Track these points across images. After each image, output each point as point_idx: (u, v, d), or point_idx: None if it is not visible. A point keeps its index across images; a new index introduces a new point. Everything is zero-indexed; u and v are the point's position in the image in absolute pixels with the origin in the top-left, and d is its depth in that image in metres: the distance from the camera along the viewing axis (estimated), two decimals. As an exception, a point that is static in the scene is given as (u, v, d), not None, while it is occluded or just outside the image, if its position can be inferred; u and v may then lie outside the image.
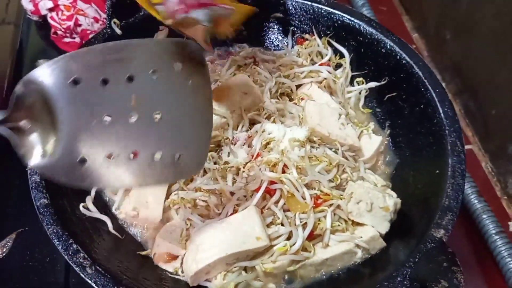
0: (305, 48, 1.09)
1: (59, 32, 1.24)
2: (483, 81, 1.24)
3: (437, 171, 0.86)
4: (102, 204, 0.89)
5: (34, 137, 0.60)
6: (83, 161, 0.61)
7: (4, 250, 0.95)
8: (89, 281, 0.72)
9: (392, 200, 0.84)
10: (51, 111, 0.60)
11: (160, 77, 0.64)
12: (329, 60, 1.08)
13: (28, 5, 1.27)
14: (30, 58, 1.31)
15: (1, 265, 0.94)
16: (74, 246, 0.75)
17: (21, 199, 1.01)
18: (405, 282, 0.72)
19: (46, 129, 0.60)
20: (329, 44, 1.10)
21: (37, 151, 0.60)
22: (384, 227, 0.83)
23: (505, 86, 1.15)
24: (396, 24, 1.55)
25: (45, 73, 0.60)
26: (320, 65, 1.06)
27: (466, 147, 1.27)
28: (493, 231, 1.07)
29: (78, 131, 0.61)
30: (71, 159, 0.61)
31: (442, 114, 0.90)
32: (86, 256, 0.74)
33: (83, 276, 0.73)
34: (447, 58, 1.38)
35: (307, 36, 1.11)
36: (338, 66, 1.10)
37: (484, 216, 1.09)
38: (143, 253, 0.84)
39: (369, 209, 0.83)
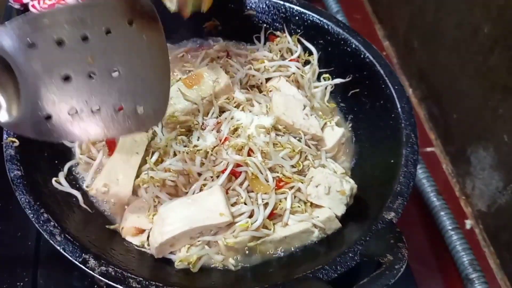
0: (276, 45, 1.13)
1: (41, 20, 1.27)
2: (446, 87, 1.30)
3: (392, 161, 0.92)
4: (74, 180, 0.93)
5: None
6: (48, 117, 0.66)
7: (-23, 224, 0.98)
8: (58, 248, 0.75)
9: (349, 185, 0.90)
10: (11, 72, 0.64)
11: (114, 34, 0.67)
12: (298, 56, 1.13)
13: (10, -7, 1.30)
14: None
15: (-27, 238, 0.97)
16: (45, 215, 0.79)
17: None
18: (355, 258, 0.77)
19: (8, 89, 0.65)
20: (299, 42, 1.15)
21: (3, 110, 0.65)
22: (340, 210, 0.88)
23: (465, 92, 1.21)
24: (369, 32, 1.62)
25: (1, 36, 0.63)
26: (290, 61, 1.11)
27: (429, 149, 1.34)
28: (450, 227, 1.13)
29: (39, 90, 0.65)
30: (36, 116, 0.66)
31: (399, 109, 0.97)
32: (56, 225, 0.78)
33: (52, 243, 0.76)
34: (414, 65, 1.45)
35: (278, 33, 1.16)
36: (306, 62, 1.15)
37: (442, 213, 1.15)
38: (111, 227, 0.88)
39: (327, 193, 0.88)
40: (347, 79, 1.09)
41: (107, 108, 0.68)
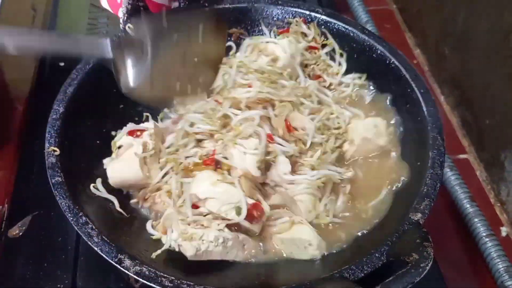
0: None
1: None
2: (478, 93, 1.30)
3: (419, 163, 0.93)
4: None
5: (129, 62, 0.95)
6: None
7: (21, 230, 1.03)
8: (96, 248, 0.80)
9: None
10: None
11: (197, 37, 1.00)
12: (313, 38, 1.16)
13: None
14: (51, 63, 1.39)
15: (18, 243, 1.02)
16: (84, 218, 0.83)
17: (38, 185, 1.10)
18: (382, 258, 0.78)
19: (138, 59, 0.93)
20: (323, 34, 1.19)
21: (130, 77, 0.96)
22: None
23: (498, 97, 1.21)
24: (399, 40, 1.61)
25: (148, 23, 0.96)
26: (310, 47, 1.16)
27: (462, 156, 1.33)
28: (484, 234, 1.11)
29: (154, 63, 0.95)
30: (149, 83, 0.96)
31: (426, 112, 0.97)
32: (93, 227, 0.82)
33: (90, 244, 0.80)
34: (446, 72, 1.44)
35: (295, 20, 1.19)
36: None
37: (476, 220, 1.13)
38: (154, 237, 0.90)
39: None
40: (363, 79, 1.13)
41: (182, 80, 0.98)
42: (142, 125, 1.01)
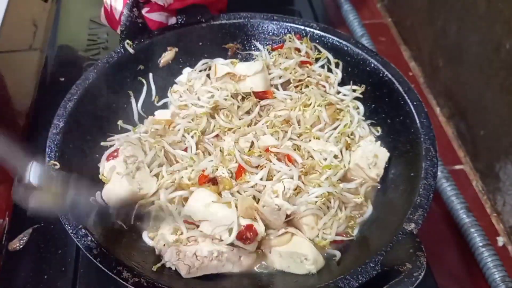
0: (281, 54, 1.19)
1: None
2: (472, 104, 1.31)
3: (412, 174, 0.94)
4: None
5: None
6: None
7: (22, 243, 1.04)
8: (95, 260, 0.81)
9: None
10: None
11: None
12: (306, 53, 1.18)
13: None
14: (52, 78, 1.42)
15: (18, 255, 1.03)
16: (83, 231, 0.84)
17: (38, 199, 1.12)
18: (376, 268, 0.79)
19: None
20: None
21: None
22: None
23: (490, 108, 1.22)
24: (395, 53, 1.64)
25: None
26: (302, 63, 1.17)
27: (458, 167, 1.34)
28: (480, 244, 1.12)
29: None
30: None
31: (418, 124, 0.99)
32: (93, 239, 0.83)
33: (89, 255, 0.81)
34: (440, 84, 1.46)
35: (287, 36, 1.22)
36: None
37: (472, 230, 1.14)
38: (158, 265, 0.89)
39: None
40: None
41: None
42: (115, 140, 1.03)
